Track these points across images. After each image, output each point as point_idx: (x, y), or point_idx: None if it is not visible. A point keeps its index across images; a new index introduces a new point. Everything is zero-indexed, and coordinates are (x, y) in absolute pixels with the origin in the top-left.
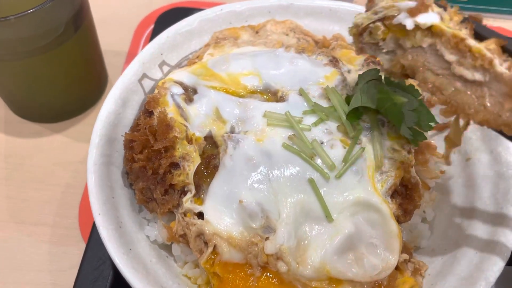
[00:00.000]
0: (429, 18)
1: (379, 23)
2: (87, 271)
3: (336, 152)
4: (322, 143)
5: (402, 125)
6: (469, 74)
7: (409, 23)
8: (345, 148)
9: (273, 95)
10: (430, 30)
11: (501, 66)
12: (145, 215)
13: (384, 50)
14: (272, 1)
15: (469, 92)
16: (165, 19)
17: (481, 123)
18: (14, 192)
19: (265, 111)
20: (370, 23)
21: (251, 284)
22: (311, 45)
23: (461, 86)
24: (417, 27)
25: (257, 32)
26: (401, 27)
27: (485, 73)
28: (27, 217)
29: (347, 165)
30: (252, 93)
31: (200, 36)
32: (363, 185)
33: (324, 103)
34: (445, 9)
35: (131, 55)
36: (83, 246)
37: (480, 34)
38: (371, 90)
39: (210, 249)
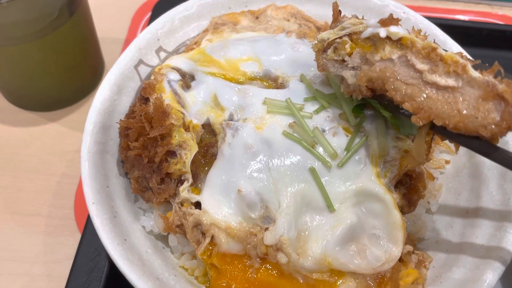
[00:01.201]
0: (401, 30)
1: (346, 38)
2: (82, 262)
3: (339, 140)
4: (323, 131)
5: (401, 128)
6: (442, 80)
7: (382, 32)
8: (348, 136)
9: (273, 81)
10: (400, 43)
11: (474, 71)
12: (140, 205)
13: (350, 66)
14: None
15: (441, 98)
16: (163, 6)
17: (456, 127)
18: (8, 181)
19: (265, 98)
20: (336, 38)
21: (250, 275)
22: (313, 31)
23: (433, 93)
24: (386, 39)
25: (257, 18)
26: (369, 42)
27: (458, 78)
28: (22, 207)
29: (349, 153)
30: (252, 79)
31: (199, 21)
32: (366, 175)
33: (326, 90)
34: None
35: (129, 42)
36: (78, 236)
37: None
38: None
39: (207, 240)
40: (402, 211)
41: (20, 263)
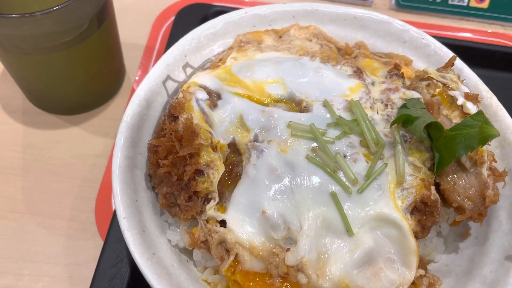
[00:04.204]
0: (473, 109)
1: (440, 84)
2: (104, 268)
3: (359, 166)
4: (345, 156)
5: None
6: (463, 159)
7: (461, 100)
8: (367, 162)
9: (297, 104)
10: (465, 116)
11: (486, 170)
12: (166, 219)
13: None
14: (296, 6)
15: (454, 168)
16: (186, 14)
17: (443, 189)
18: (31, 183)
19: (290, 121)
20: (434, 79)
21: None
22: (334, 52)
23: (452, 163)
24: (460, 106)
25: (280, 37)
26: (450, 99)
27: (473, 167)
28: (44, 209)
29: (369, 180)
30: (277, 102)
31: (224, 38)
32: (384, 201)
33: (347, 116)
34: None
35: (149, 48)
36: (99, 240)
37: None
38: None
39: (232, 258)
40: (416, 236)
41: (42, 264)
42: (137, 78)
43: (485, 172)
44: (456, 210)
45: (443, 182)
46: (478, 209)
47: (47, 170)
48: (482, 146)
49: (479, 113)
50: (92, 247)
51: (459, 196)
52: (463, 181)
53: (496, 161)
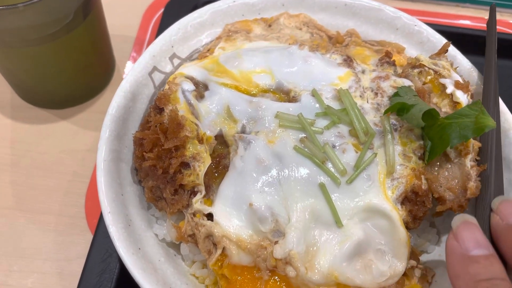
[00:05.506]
0: (463, 98)
1: (431, 71)
2: (94, 263)
3: (348, 156)
4: (334, 146)
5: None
6: (448, 148)
7: (450, 88)
8: (357, 152)
9: (285, 94)
10: (455, 105)
11: (469, 161)
12: (153, 213)
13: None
14: None
15: (438, 158)
16: (175, 4)
17: (426, 178)
18: (20, 179)
19: (278, 112)
20: (426, 66)
21: (259, 287)
22: (325, 40)
23: None
24: (450, 95)
25: (269, 26)
26: (441, 87)
27: (457, 157)
28: (34, 205)
29: (358, 171)
30: (264, 92)
31: (212, 28)
32: (373, 191)
33: (336, 105)
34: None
35: (139, 40)
36: (89, 236)
37: None
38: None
39: (219, 251)
40: (407, 227)
41: (32, 260)
42: (127, 70)
43: (468, 163)
44: (437, 201)
45: (426, 171)
46: (458, 201)
47: (37, 165)
48: (477, 136)
49: (477, 103)
50: (82, 243)
51: (440, 186)
52: (446, 171)
53: None
